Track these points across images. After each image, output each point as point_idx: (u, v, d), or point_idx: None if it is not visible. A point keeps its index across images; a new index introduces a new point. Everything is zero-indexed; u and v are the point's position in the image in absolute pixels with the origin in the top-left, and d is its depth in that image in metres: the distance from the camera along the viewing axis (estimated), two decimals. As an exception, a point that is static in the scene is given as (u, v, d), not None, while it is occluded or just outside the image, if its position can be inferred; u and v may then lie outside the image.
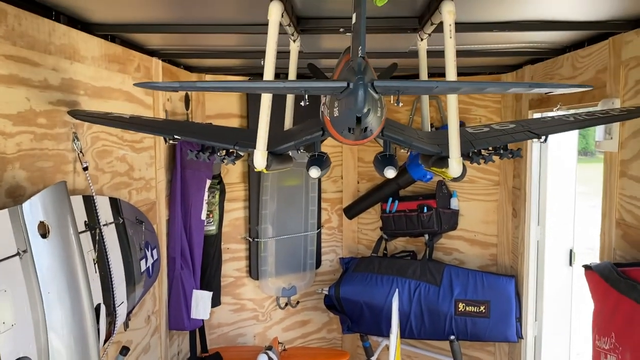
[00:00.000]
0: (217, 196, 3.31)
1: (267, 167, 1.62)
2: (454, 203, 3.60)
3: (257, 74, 3.39)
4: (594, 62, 2.25)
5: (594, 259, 2.18)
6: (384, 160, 1.65)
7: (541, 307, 3.15)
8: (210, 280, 3.36)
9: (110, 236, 1.98)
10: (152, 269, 2.44)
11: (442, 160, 1.62)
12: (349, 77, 1.01)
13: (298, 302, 3.90)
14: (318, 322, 4.04)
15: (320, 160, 1.63)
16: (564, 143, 3.04)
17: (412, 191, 3.72)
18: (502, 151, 1.66)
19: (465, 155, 1.62)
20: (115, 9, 1.87)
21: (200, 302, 3.01)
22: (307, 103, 1.07)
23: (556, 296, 3.12)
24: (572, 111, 2.45)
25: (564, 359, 3.14)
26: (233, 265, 3.73)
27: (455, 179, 1.63)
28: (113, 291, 1.91)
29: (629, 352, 1.67)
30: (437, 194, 3.57)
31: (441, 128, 3.42)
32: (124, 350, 2.17)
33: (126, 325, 2.19)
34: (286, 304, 3.86)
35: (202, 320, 3.14)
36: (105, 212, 1.96)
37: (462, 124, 3.40)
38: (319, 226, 3.89)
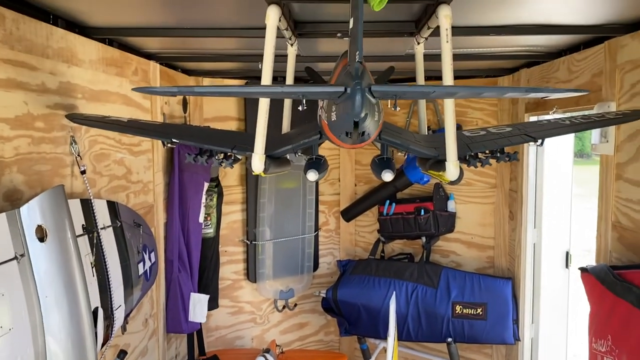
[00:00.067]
0: (214, 199, 3.31)
1: (265, 171, 1.63)
2: (451, 205, 3.61)
3: (255, 77, 3.39)
4: (589, 66, 2.27)
5: (591, 261, 2.19)
6: (381, 163, 1.66)
7: (538, 309, 3.15)
8: (208, 283, 3.36)
9: (108, 239, 1.98)
10: (149, 272, 2.44)
11: (439, 163, 1.63)
12: (346, 82, 1.02)
13: (296, 305, 3.90)
14: (316, 324, 4.04)
15: (318, 164, 1.64)
16: (560, 146, 3.06)
17: (409, 194, 3.73)
18: (498, 154, 1.67)
19: (462, 158, 1.63)
20: (113, 13, 1.87)
21: (198, 305, 3.01)
22: (305, 107, 1.07)
23: (553, 298, 3.13)
24: (568, 114, 2.47)
25: (560, 361, 3.16)
26: (231, 268, 3.73)
27: (452, 182, 1.64)
28: (111, 294, 1.91)
29: (626, 355, 1.68)
30: (435, 197, 3.58)
31: (438, 131, 3.43)
32: (122, 354, 2.17)
33: (124, 328, 2.19)
34: (284, 307, 3.86)
35: (200, 323, 3.13)
36: (103, 216, 1.96)
37: (458, 127, 3.43)
38: (317, 229, 3.89)
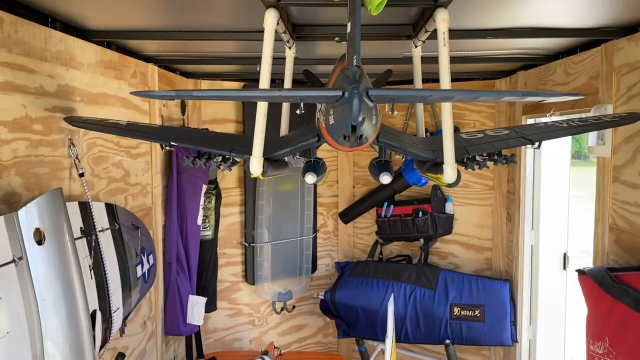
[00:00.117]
0: (213, 201, 3.31)
1: (263, 174, 1.63)
2: (449, 207, 3.62)
3: (254, 80, 3.40)
4: (586, 69, 2.28)
5: (589, 262, 2.20)
6: (379, 166, 1.66)
7: (536, 311, 3.16)
8: (206, 285, 3.36)
9: (106, 242, 1.98)
10: (148, 275, 2.44)
11: (437, 166, 1.64)
12: (344, 86, 1.03)
13: (294, 307, 3.90)
14: (314, 326, 4.04)
15: (316, 166, 1.64)
16: (558, 147, 3.07)
17: (407, 195, 3.73)
18: (496, 157, 1.67)
19: (459, 161, 1.63)
20: (112, 16, 1.87)
21: (195, 308, 3.01)
22: (303, 111, 1.08)
23: (551, 300, 3.14)
24: (565, 117, 2.48)
25: (558, 362, 3.16)
26: (229, 270, 3.73)
27: (449, 185, 1.65)
28: (109, 297, 1.91)
29: (623, 357, 1.68)
30: (432, 199, 3.59)
31: (435, 133, 3.44)
32: (120, 357, 2.17)
33: (122, 331, 2.19)
34: (282, 309, 3.86)
35: (198, 325, 3.13)
36: (101, 218, 1.96)
37: (456, 129, 3.44)
38: (315, 231, 3.89)
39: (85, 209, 1.85)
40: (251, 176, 1.61)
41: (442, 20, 1.47)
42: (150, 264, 2.49)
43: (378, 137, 1.56)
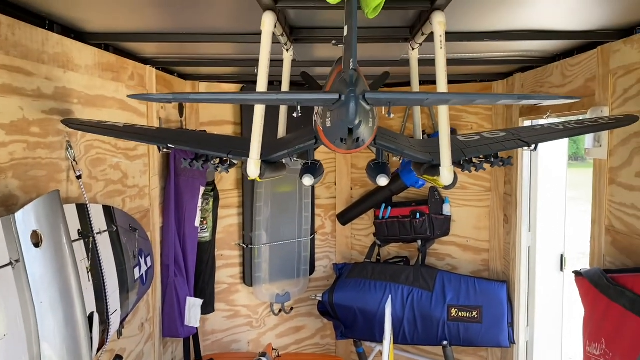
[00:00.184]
0: (211, 203, 3.31)
1: (261, 176, 1.63)
2: (446, 209, 3.62)
3: (252, 82, 3.40)
4: (583, 71, 2.28)
5: (586, 264, 2.21)
6: (376, 168, 1.66)
7: (533, 312, 3.17)
8: (204, 287, 3.36)
9: (104, 244, 1.98)
10: (145, 277, 2.44)
11: (434, 168, 1.64)
12: (340, 89, 1.03)
13: (292, 309, 3.90)
14: (312, 328, 4.04)
15: (314, 169, 1.64)
16: (555, 149, 3.08)
17: (404, 197, 3.74)
18: (492, 159, 1.68)
19: (456, 163, 1.64)
20: (109, 18, 1.88)
21: (192, 310, 3.01)
22: (300, 114, 1.08)
23: (548, 301, 3.14)
24: (562, 119, 2.49)
25: (556, 364, 3.17)
26: (227, 271, 3.73)
27: (446, 187, 1.65)
28: (106, 299, 1.91)
29: (619, 358, 1.69)
30: (430, 200, 3.60)
31: (433, 135, 3.45)
32: (118, 359, 2.17)
33: (120, 333, 2.18)
34: (280, 310, 3.86)
35: (196, 327, 3.13)
36: (98, 221, 1.96)
37: (454, 131, 3.44)
38: (313, 232, 3.89)
39: (82, 211, 1.85)
40: (248, 178, 1.62)
41: (438, 23, 1.48)
42: (148, 266, 2.48)
43: (375, 139, 1.56)
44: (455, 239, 3.70)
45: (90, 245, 1.84)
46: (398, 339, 3.40)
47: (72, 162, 1.82)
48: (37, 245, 1.43)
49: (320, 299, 3.58)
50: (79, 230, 1.80)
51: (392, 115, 1.07)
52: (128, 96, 0.98)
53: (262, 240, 3.68)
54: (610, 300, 1.74)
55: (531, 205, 3.13)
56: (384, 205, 3.66)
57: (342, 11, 1.25)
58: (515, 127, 3.06)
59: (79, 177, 1.84)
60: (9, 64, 1.50)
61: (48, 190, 1.64)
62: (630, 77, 1.90)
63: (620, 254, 1.96)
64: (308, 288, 3.91)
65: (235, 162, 1.73)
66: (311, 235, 3.86)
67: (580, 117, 2.28)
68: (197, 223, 3.09)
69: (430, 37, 1.56)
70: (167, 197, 2.93)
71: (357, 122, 1.06)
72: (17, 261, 1.37)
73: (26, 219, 1.40)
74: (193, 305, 3.01)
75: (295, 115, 1.08)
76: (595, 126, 1.76)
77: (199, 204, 3.10)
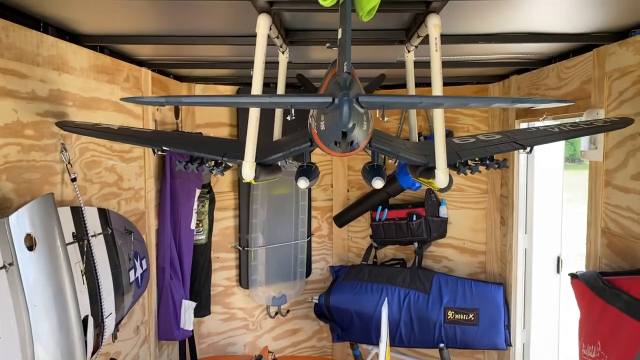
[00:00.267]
0: (206, 205, 3.30)
1: (256, 178, 1.63)
2: (443, 211, 3.63)
3: (248, 84, 3.37)
4: (578, 73, 2.29)
5: (583, 265, 2.21)
6: (372, 170, 1.66)
7: (529, 314, 3.17)
8: (200, 289, 3.35)
9: (99, 247, 1.97)
10: (141, 279, 2.43)
11: (429, 170, 1.64)
12: (334, 92, 1.03)
13: (288, 311, 3.89)
14: (308, 330, 4.03)
15: (309, 171, 1.64)
16: (551, 151, 3.08)
17: (401, 199, 3.74)
18: (488, 162, 1.68)
19: (451, 165, 1.64)
20: (104, 20, 1.87)
21: (187, 313, 3.00)
22: (294, 117, 1.08)
23: (544, 303, 3.15)
24: (558, 121, 2.49)
25: (552, 366, 3.17)
26: (223, 274, 3.72)
27: (442, 190, 1.65)
28: (101, 302, 1.90)
29: (614, 360, 1.69)
30: (426, 202, 3.60)
31: (429, 137, 3.45)
32: (112, 362, 2.16)
33: (114, 336, 2.17)
34: (276, 313, 3.85)
35: (192, 329, 3.12)
36: (93, 223, 1.95)
37: (450, 133, 3.45)
38: (309, 234, 3.89)
39: (77, 213, 1.84)
40: (243, 181, 1.61)
41: (434, 26, 1.48)
42: (144, 269, 2.48)
43: (370, 142, 1.56)
44: (451, 241, 3.70)
45: (85, 248, 1.83)
46: (394, 342, 3.40)
47: (66, 165, 1.82)
48: (31, 248, 1.42)
49: (317, 301, 3.58)
50: (73, 233, 1.79)
51: (386, 119, 1.07)
52: (121, 99, 0.98)
53: (258, 242, 3.67)
54: (606, 303, 1.74)
55: (527, 207, 3.13)
56: (380, 207, 3.66)
57: (337, 13, 1.25)
58: (510, 129, 3.07)
59: (73, 180, 1.84)
60: (3, 67, 1.50)
61: (42, 193, 1.63)
62: (626, 80, 1.90)
63: (616, 256, 1.96)
64: (304, 290, 3.91)
65: (230, 164, 1.73)
66: (308, 237, 3.86)
67: (576, 120, 2.28)
68: (192, 225, 3.09)
69: (426, 40, 1.57)
70: (162, 199, 2.92)
71: (350, 125, 1.05)
72: (10, 264, 1.36)
73: (20, 222, 1.40)
74: (187, 308, 3.01)
75: (288, 118, 1.08)
76: (590, 129, 1.77)
77: (195, 207, 3.10)
